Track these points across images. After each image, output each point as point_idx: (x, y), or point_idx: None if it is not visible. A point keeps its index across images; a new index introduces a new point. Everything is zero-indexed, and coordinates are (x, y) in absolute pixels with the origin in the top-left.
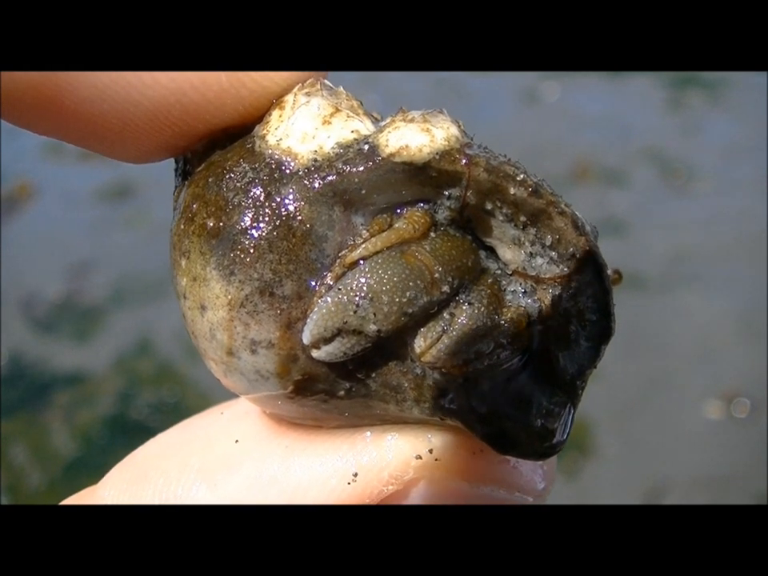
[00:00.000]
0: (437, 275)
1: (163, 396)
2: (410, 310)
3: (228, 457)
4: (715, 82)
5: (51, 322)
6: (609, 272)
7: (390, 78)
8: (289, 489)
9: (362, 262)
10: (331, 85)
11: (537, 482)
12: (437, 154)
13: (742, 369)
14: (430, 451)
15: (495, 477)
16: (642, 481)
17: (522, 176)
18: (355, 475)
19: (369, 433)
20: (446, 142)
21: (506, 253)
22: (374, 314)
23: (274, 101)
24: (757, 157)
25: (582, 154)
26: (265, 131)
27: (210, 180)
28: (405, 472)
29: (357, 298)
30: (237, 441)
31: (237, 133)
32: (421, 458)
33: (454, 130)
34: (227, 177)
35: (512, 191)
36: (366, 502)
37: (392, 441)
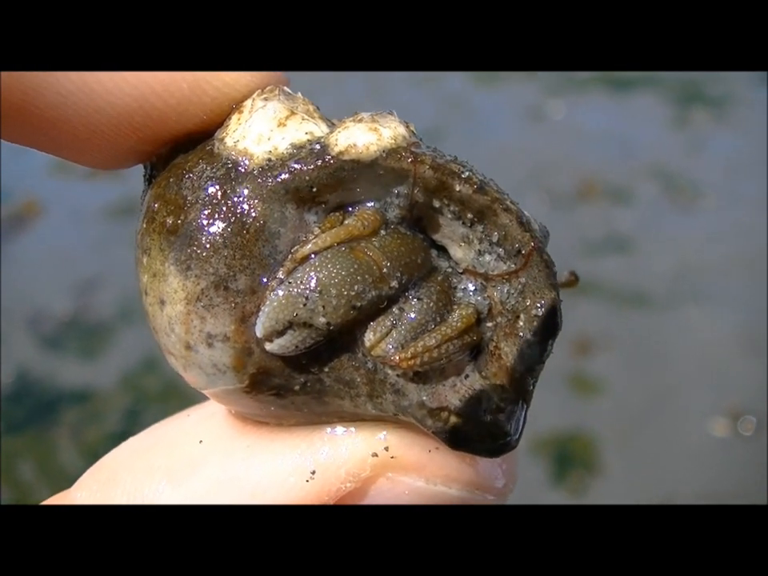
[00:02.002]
0: (385, 270)
1: (170, 413)
2: (359, 304)
3: (192, 457)
4: (720, 98)
5: (58, 338)
6: (565, 273)
7: (396, 93)
8: (249, 487)
9: (312, 256)
10: (289, 90)
11: (496, 480)
12: (383, 151)
13: (747, 385)
14: (386, 449)
15: (451, 474)
16: (648, 498)
17: (467, 173)
18: (313, 473)
19: (329, 429)
20: (393, 141)
21: (457, 251)
22: (323, 307)
23: (234, 106)
24: (761, 173)
25: (587, 172)
26: (224, 134)
27: (170, 180)
28: (362, 469)
29: (306, 291)
30: (201, 441)
31: (200, 137)
32: (377, 455)
33: (401, 130)
34: (186, 177)
35: (457, 188)
36: (325, 499)
37: (348, 438)
